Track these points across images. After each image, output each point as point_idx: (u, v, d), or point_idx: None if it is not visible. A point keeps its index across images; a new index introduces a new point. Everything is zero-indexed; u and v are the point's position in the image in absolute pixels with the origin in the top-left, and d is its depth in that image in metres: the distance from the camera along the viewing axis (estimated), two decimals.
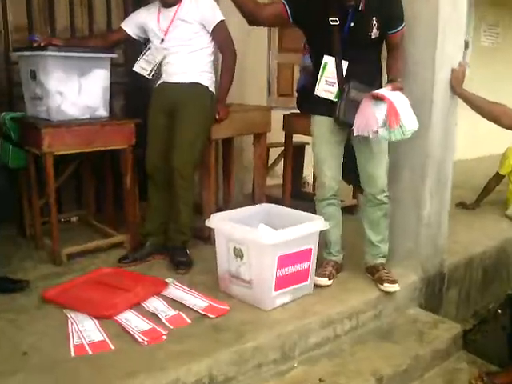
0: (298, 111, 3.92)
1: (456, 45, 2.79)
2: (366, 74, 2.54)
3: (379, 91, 2.42)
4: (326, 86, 2.55)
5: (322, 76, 2.55)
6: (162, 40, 2.85)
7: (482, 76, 6.59)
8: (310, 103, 2.72)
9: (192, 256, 2.98)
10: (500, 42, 7.34)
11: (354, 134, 2.48)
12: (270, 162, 4.43)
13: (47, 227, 3.04)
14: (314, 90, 2.62)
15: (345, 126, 2.53)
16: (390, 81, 2.55)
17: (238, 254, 2.46)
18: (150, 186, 3.01)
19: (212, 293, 2.56)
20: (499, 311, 3.58)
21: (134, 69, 2.95)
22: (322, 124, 2.66)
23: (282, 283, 2.44)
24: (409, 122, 2.41)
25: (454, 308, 3.27)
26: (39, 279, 2.70)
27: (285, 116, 3.89)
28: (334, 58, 2.51)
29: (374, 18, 2.45)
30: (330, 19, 2.44)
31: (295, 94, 4.14)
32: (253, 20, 2.59)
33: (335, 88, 2.54)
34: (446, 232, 3.01)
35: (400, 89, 2.49)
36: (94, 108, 2.97)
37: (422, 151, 2.76)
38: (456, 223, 3.59)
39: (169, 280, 2.69)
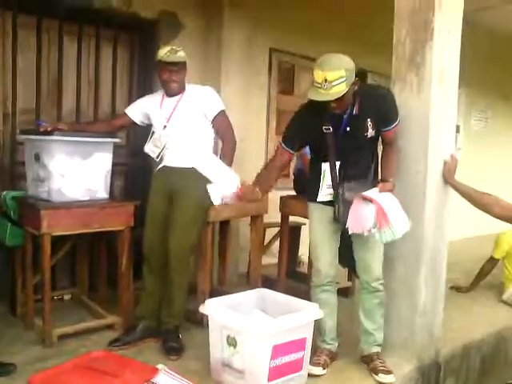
0: (295, 193, 4.00)
1: (447, 138, 2.89)
2: (361, 172, 2.62)
3: (368, 193, 2.48)
4: (327, 190, 2.64)
5: (323, 183, 2.64)
6: (165, 127, 2.96)
7: (473, 158, 6.81)
8: (306, 187, 2.80)
9: (184, 340, 2.94)
10: (489, 126, 7.60)
11: (349, 233, 2.55)
12: (266, 241, 4.46)
13: (39, 305, 3.01)
14: (310, 181, 2.73)
15: (345, 226, 2.58)
16: (381, 180, 2.63)
17: (232, 342, 2.43)
18: (145, 268, 3.02)
19: (204, 381, 2.52)
20: None
21: (145, 150, 3.03)
22: (318, 211, 2.71)
23: (275, 373, 2.40)
24: (399, 224, 2.47)
25: None
26: (27, 362, 2.65)
27: (281, 198, 3.96)
28: (328, 164, 2.60)
29: (369, 119, 2.55)
30: (323, 127, 2.55)
31: (292, 176, 4.24)
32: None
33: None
34: (441, 321, 2.99)
35: (390, 190, 2.56)
36: (95, 190, 3.04)
37: (416, 242, 2.80)
38: (451, 308, 3.57)
39: (159, 366, 2.63)
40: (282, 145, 2.70)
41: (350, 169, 2.59)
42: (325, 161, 2.62)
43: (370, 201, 2.45)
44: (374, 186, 2.58)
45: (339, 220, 2.57)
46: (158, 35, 3.98)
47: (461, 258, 5.23)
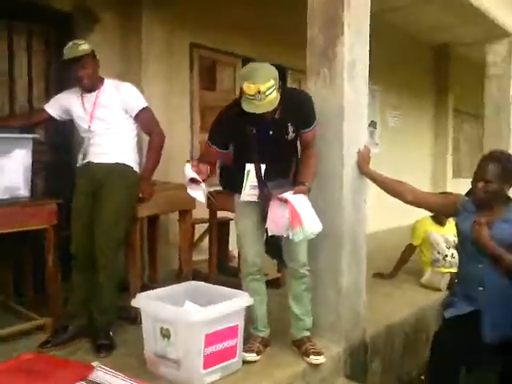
0: (221, 188, 4.04)
1: (360, 128, 3.05)
2: (283, 172, 2.72)
3: (284, 195, 2.57)
4: (251, 191, 2.70)
5: (246, 182, 2.69)
6: (88, 123, 2.90)
7: (390, 153, 7.16)
8: (232, 182, 2.84)
9: (118, 338, 2.91)
10: (404, 122, 8.03)
11: (269, 234, 2.63)
12: (196, 238, 4.46)
13: None
14: (235, 177, 2.76)
15: None
16: (297, 183, 2.69)
17: (166, 333, 2.44)
18: (73, 266, 2.96)
19: (140, 374, 2.48)
20: (422, 377, 3.69)
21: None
22: (243, 203, 2.76)
23: (210, 361, 2.43)
24: (310, 224, 2.56)
25: (379, 376, 3.35)
26: None
27: (208, 193, 3.97)
28: (253, 165, 2.66)
29: (289, 123, 2.65)
30: (248, 128, 2.61)
31: (218, 172, 4.27)
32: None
33: (257, 191, 2.69)
34: (365, 301, 3.14)
35: (304, 192, 2.64)
36: (15, 188, 2.93)
37: (336, 226, 2.92)
38: (375, 294, 3.76)
39: (95, 363, 2.57)
40: (209, 143, 2.74)
41: (272, 169, 2.67)
42: (249, 161, 2.67)
43: (285, 201, 2.54)
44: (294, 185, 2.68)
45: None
46: (74, 29, 3.88)
47: (384, 247, 5.50)
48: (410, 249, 4.64)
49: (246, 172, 2.68)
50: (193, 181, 2.58)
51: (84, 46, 2.81)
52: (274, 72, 2.46)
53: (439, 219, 4.48)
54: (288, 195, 2.56)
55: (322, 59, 2.94)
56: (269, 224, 2.61)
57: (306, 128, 2.71)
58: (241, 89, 2.46)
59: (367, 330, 3.20)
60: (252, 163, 2.67)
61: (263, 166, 2.67)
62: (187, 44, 4.80)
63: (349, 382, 2.94)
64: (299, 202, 2.57)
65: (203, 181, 2.59)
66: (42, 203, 3.00)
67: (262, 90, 2.38)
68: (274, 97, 2.43)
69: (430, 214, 4.35)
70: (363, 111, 3.08)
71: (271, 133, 2.64)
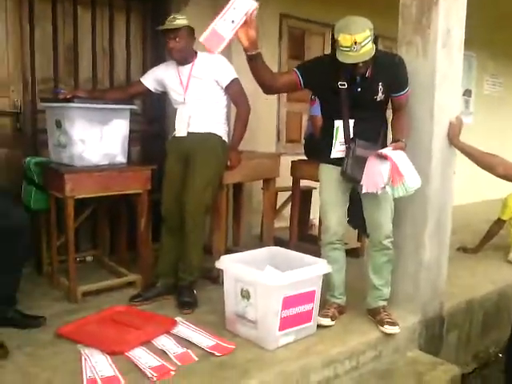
0: (305, 157, 4.12)
1: (453, 99, 2.97)
2: (371, 132, 2.71)
3: (383, 151, 2.60)
4: (340, 147, 2.73)
5: (336, 139, 2.72)
6: (183, 95, 3.07)
7: (485, 123, 6.82)
8: (317, 152, 2.90)
9: (199, 296, 3.12)
10: (502, 90, 7.57)
11: (363, 192, 2.66)
12: (278, 206, 4.60)
13: (63, 266, 3.22)
14: (322, 141, 2.82)
15: (351, 181, 2.70)
16: (393, 141, 2.74)
17: (245, 294, 2.59)
18: (163, 228, 3.18)
19: (218, 332, 2.69)
20: (500, 355, 3.64)
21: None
22: (329, 172, 2.81)
23: (286, 324, 2.56)
24: (411, 180, 2.59)
25: (454, 351, 3.34)
26: (55, 316, 2.83)
27: (292, 162, 4.08)
28: (342, 121, 2.69)
29: (380, 84, 2.64)
30: (338, 83, 2.63)
31: (303, 141, 4.35)
32: (268, 89, 2.72)
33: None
34: (445, 276, 3.12)
35: (402, 148, 2.67)
36: (114, 155, 3.18)
37: (422, 199, 2.90)
38: (458, 267, 3.71)
39: (177, 319, 2.82)
40: (296, 71, 2.72)
41: (361, 127, 2.67)
42: (338, 118, 2.69)
43: (385, 157, 2.56)
44: (385, 144, 2.69)
45: (346, 174, 2.65)
46: (170, 3, 4.04)
47: (471, 221, 5.35)
48: (499, 223, 4.48)
49: (335, 129, 2.71)
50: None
51: (180, 21, 2.96)
52: (369, 23, 2.45)
53: None
54: (388, 151, 2.60)
55: (415, 27, 2.88)
56: (364, 181, 2.62)
57: (399, 92, 2.71)
58: (336, 41, 2.46)
59: (446, 303, 3.19)
60: (341, 120, 2.69)
61: (351, 123, 2.68)
62: (277, 14, 4.84)
63: (422, 353, 2.97)
64: (400, 157, 2.60)
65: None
66: (138, 169, 3.26)
67: (358, 40, 2.39)
68: (369, 48, 2.44)
69: None
70: (457, 82, 3.00)
71: (359, 90, 2.63)
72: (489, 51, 6.80)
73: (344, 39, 2.41)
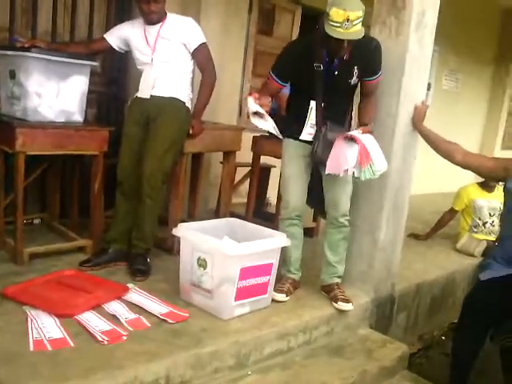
0: (267, 134, 4.07)
1: (420, 83, 3.00)
2: (340, 116, 2.72)
3: (352, 133, 2.59)
4: (310, 129, 2.72)
5: (308, 120, 2.70)
6: (150, 55, 2.95)
7: (441, 117, 6.97)
8: (281, 126, 2.84)
9: (154, 265, 3.04)
10: (460, 87, 7.77)
11: (326, 173, 2.65)
12: (236, 181, 4.54)
13: (9, 228, 3.05)
14: (290, 119, 2.80)
15: (320, 163, 2.68)
16: (360, 124, 2.74)
17: (202, 263, 2.54)
18: (118, 193, 3.07)
19: (172, 300, 2.63)
20: (443, 338, 3.76)
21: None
22: (293, 147, 2.80)
23: (241, 294, 2.53)
24: (378, 163, 2.60)
25: (402, 331, 3.43)
26: (0, 277, 2.69)
27: (254, 137, 4.03)
28: (315, 102, 2.66)
29: (356, 67, 2.63)
30: (314, 64, 2.59)
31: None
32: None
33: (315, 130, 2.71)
34: (398, 257, 3.18)
35: (369, 132, 2.68)
36: (71, 112, 3.01)
37: (381, 180, 2.87)
38: (409, 252, 3.79)
39: (130, 285, 2.74)
40: (273, 75, 2.72)
41: (332, 111, 2.67)
42: (312, 99, 2.67)
43: (354, 140, 2.56)
44: (350, 127, 2.69)
45: (316, 157, 2.66)
46: None
47: (423, 211, 5.49)
48: (451, 213, 4.62)
49: (309, 109, 2.68)
50: (256, 114, 2.59)
51: None
52: (362, 5, 2.42)
53: (487, 185, 4.44)
54: (356, 133, 2.59)
55: (390, 8, 2.88)
56: (329, 162, 2.61)
57: (371, 76, 2.70)
58: (326, 14, 2.40)
59: (397, 285, 3.25)
60: (314, 101, 2.66)
61: (323, 105, 2.66)
62: None
63: (372, 332, 3.02)
64: (368, 140, 2.60)
65: (267, 113, 2.60)
66: (96, 129, 3.11)
67: (351, 17, 2.34)
68: (359, 29, 2.40)
69: (477, 180, 4.32)
70: (426, 67, 3.03)
71: (337, 73, 2.62)
72: (451, 47, 6.93)
73: (337, 14, 2.35)
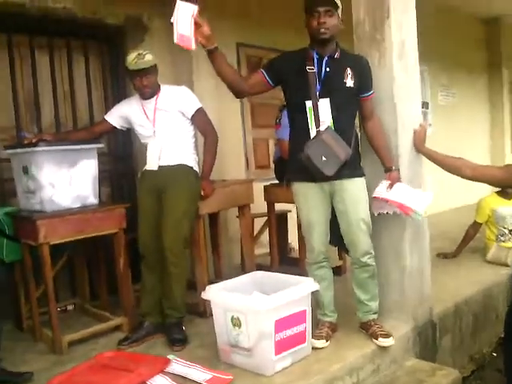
0: (277, 181, 4.12)
1: (414, 108, 3.03)
2: (346, 123, 2.68)
3: (382, 196, 2.75)
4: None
5: (311, 123, 2.64)
6: (152, 128, 3.05)
7: (444, 133, 7.02)
8: (289, 172, 2.87)
9: (188, 331, 3.04)
10: (455, 100, 7.82)
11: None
12: (255, 233, 4.56)
13: (45, 318, 3.08)
14: (293, 158, 2.74)
15: (308, 164, 2.58)
16: (385, 170, 2.82)
17: (236, 322, 2.53)
18: (143, 266, 3.11)
19: (213, 365, 2.61)
20: (494, 354, 3.65)
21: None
22: (304, 189, 2.76)
23: (281, 347, 2.51)
24: (419, 206, 2.72)
25: (450, 355, 3.33)
26: (42, 370, 2.71)
27: (265, 187, 4.08)
28: (311, 102, 2.64)
29: (349, 69, 2.67)
30: (307, 68, 2.64)
31: (272, 165, 4.36)
32: (238, 91, 2.71)
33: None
34: (429, 281, 3.13)
35: (397, 179, 2.79)
36: (85, 196, 3.11)
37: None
38: (440, 273, 3.73)
39: (170, 356, 2.73)
40: (261, 69, 2.75)
41: (337, 114, 2.63)
42: (307, 98, 2.64)
43: (386, 201, 2.71)
44: (355, 159, 2.72)
45: (304, 154, 2.56)
46: (126, 41, 4.06)
47: (446, 228, 5.44)
48: (475, 226, 4.57)
49: (307, 109, 2.65)
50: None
51: (149, 57, 2.95)
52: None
53: (506, 192, 4.41)
54: (385, 194, 2.74)
55: (370, 43, 2.96)
56: (374, 204, 2.79)
57: (367, 91, 2.75)
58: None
59: (434, 308, 3.20)
60: (310, 100, 2.64)
61: (322, 103, 2.63)
62: (234, 43, 4.90)
63: (419, 361, 2.95)
64: (399, 193, 2.73)
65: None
66: (112, 208, 3.18)
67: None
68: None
69: (494, 189, 4.30)
70: (416, 91, 3.07)
71: (328, 70, 2.65)
72: (440, 63, 7.04)
73: None
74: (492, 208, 4.45)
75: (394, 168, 2.81)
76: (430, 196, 2.76)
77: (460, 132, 7.59)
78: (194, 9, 2.35)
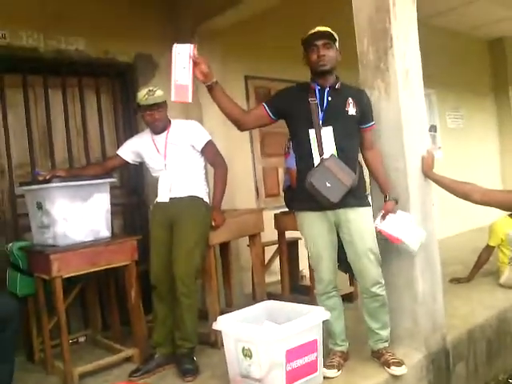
0: (287, 209, 4.16)
1: (421, 135, 3.06)
2: (351, 151, 2.73)
3: (378, 227, 2.79)
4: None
5: (315, 150, 2.67)
6: (163, 162, 3.13)
7: (453, 155, 7.03)
8: (295, 201, 2.92)
9: (200, 362, 3.05)
10: (464, 122, 7.84)
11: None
12: (266, 261, 4.58)
13: (56, 350, 3.12)
14: (299, 188, 2.78)
15: (312, 191, 2.59)
16: (384, 198, 2.86)
17: (247, 353, 2.54)
18: (154, 297, 3.14)
19: None
20: (510, 381, 3.59)
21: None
22: (309, 219, 2.78)
23: (292, 377, 2.50)
24: (411, 240, 2.79)
25: (464, 382, 3.29)
26: None
27: (275, 215, 4.11)
28: (314, 130, 2.68)
29: (350, 99, 2.72)
30: (309, 99, 2.70)
31: (282, 194, 4.41)
32: (242, 125, 2.80)
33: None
34: (442, 308, 3.12)
35: (392, 208, 2.82)
36: (97, 230, 3.17)
37: None
38: (453, 298, 3.72)
39: None
40: (264, 105, 2.81)
41: (342, 142, 2.66)
42: (311, 127, 2.68)
43: (379, 232, 2.75)
44: (360, 187, 2.74)
45: (308, 182, 2.58)
46: (137, 77, 4.18)
47: (458, 252, 5.41)
48: (488, 250, 4.53)
49: (311, 139, 2.68)
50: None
51: (159, 92, 3.06)
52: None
53: None
54: (379, 224, 2.78)
55: (375, 72, 3.01)
56: None
57: (367, 123, 2.80)
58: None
59: (447, 335, 3.17)
60: (313, 129, 2.67)
61: (324, 132, 2.65)
62: (242, 76, 5.00)
63: None
64: (393, 224, 2.78)
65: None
66: (123, 241, 3.24)
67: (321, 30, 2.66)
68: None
69: (506, 212, 4.29)
70: (422, 118, 3.10)
71: (330, 99, 2.70)
72: (447, 86, 7.09)
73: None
74: (505, 231, 4.43)
75: (389, 197, 2.83)
76: (423, 233, 2.81)
77: (470, 154, 7.60)
78: (190, 47, 2.43)
